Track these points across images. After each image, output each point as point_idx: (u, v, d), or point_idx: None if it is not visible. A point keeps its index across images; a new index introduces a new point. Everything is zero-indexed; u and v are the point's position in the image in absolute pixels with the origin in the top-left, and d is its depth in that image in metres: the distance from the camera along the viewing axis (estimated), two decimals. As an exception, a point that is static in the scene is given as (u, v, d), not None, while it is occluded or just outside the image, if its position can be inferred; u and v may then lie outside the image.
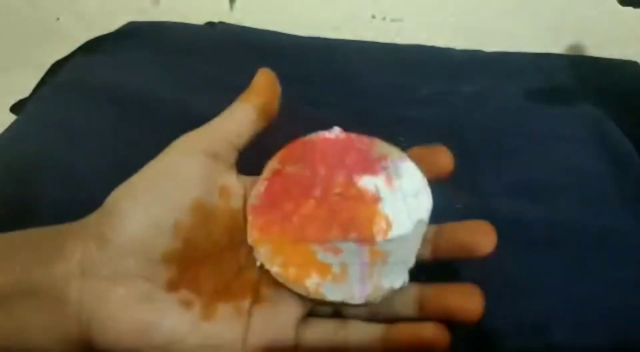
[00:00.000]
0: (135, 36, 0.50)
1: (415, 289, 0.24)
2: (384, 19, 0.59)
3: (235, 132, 0.24)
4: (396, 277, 0.23)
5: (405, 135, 0.36)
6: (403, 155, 0.24)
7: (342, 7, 0.59)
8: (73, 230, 0.22)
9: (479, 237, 0.23)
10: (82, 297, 0.20)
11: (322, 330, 0.23)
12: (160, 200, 0.21)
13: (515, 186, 0.37)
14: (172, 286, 0.21)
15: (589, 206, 0.36)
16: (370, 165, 0.23)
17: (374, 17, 0.59)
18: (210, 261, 0.23)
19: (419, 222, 0.23)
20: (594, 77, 0.49)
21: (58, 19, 0.63)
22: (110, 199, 0.22)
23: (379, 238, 0.22)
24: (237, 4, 0.59)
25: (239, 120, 0.24)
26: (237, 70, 0.47)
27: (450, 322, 0.23)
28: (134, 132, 0.38)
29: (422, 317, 0.23)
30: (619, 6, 0.40)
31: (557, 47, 0.58)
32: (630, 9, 0.40)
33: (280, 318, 0.23)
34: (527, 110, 0.45)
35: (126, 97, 0.41)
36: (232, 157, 0.24)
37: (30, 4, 0.62)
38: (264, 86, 0.25)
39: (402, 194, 0.23)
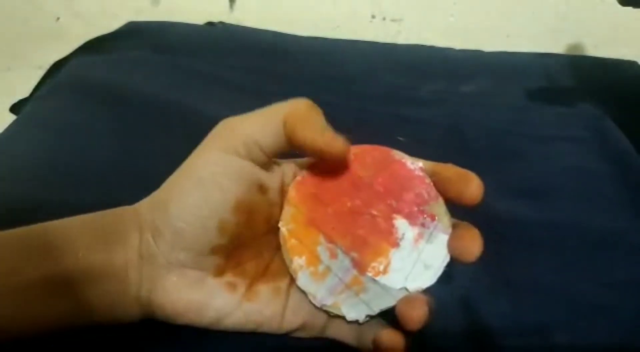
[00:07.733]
0: (135, 36, 0.50)
1: None
2: (384, 19, 0.59)
3: (265, 145, 0.23)
4: (354, 312, 0.23)
5: (405, 135, 0.36)
6: (448, 228, 0.23)
7: (342, 7, 0.59)
8: (129, 217, 0.24)
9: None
10: (140, 281, 0.23)
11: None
12: (205, 202, 0.22)
13: (516, 186, 0.37)
14: (219, 272, 0.24)
15: (590, 206, 0.36)
16: (415, 214, 0.23)
17: (374, 17, 0.59)
18: (251, 246, 0.24)
19: (405, 289, 0.23)
20: (594, 77, 0.49)
21: (58, 19, 0.63)
22: (160, 196, 0.23)
23: (369, 273, 0.23)
24: (237, 4, 0.59)
25: (271, 136, 0.23)
26: (237, 70, 0.47)
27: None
28: (133, 132, 0.38)
29: None
30: (619, 6, 0.40)
31: (557, 47, 0.58)
32: (630, 9, 0.40)
33: None
34: (527, 110, 0.45)
35: (126, 97, 0.41)
36: (266, 160, 0.24)
37: (30, 4, 0.62)
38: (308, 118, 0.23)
39: (417, 257, 0.23)
